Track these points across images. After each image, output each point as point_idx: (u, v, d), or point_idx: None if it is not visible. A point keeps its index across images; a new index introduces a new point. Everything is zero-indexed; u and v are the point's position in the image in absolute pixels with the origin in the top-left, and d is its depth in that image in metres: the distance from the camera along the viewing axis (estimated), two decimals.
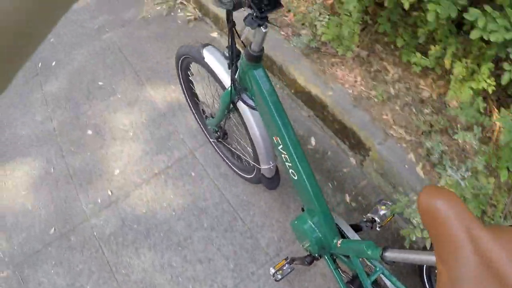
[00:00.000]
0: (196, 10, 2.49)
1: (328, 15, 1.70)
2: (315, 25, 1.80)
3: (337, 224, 1.09)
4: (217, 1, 0.81)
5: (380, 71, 1.90)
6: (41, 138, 2.08)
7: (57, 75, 2.37)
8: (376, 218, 1.14)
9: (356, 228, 1.13)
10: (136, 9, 2.64)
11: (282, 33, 2.07)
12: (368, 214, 1.16)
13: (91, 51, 2.44)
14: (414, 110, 1.76)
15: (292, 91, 1.98)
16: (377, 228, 1.15)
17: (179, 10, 2.55)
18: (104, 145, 1.93)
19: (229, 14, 0.92)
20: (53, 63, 2.46)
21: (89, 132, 2.01)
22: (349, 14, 1.61)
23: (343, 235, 1.09)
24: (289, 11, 2.14)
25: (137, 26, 2.50)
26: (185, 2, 2.58)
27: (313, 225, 1.06)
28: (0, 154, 2.10)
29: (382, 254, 0.78)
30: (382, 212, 1.15)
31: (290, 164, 1.02)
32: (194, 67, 1.50)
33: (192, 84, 1.63)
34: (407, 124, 1.73)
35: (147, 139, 1.90)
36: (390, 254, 0.76)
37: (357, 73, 1.89)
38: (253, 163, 1.40)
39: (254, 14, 0.81)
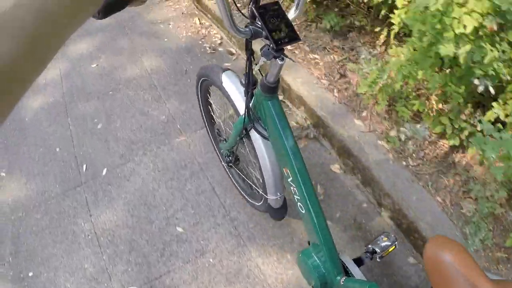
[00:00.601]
0: (307, 121, 2.01)
1: None
2: None
3: (342, 261, 1.12)
4: (235, 30, 0.83)
5: None
6: None
7: (111, 196, 1.86)
8: (377, 249, 1.17)
9: (359, 262, 1.17)
10: None
11: (439, 199, 1.64)
12: (369, 245, 1.19)
13: (159, 164, 1.94)
14: None
15: None
16: (378, 259, 1.18)
17: None
18: None
19: (248, 42, 0.96)
20: (104, 171, 1.95)
21: None
22: None
23: (347, 272, 1.12)
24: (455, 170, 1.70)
25: None
26: (289, 103, 2.09)
27: (317, 260, 1.12)
28: None
29: None
30: (384, 244, 1.18)
31: (298, 198, 1.07)
32: (214, 89, 1.56)
33: (211, 106, 1.71)
34: None
35: None
36: None
37: None
38: (261, 191, 1.45)
39: (271, 45, 0.84)
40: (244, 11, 0.90)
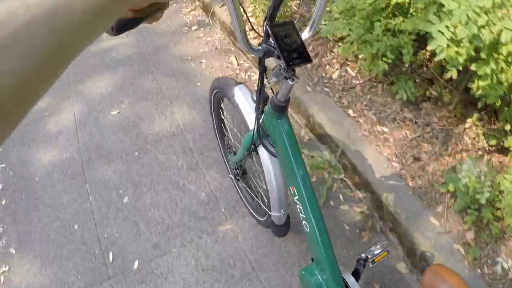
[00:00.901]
0: (372, 205, 1.77)
1: None
2: None
3: (344, 279, 1.14)
4: (248, 47, 0.86)
5: None
6: None
7: None
8: (369, 256, 1.20)
9: (356, 275, 1.19)
10: None
11: None
12: (362, 254, 1.22)
13: (203, 260, 1.69)
14: None
15: None
16: (370, 265, 1.20)
17: (341, 196, 1.82)
18: None
19: (261, 59, 0.97)
20: (135, 264, 1.71)
21: None
22: None
23: None
24: None
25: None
26: (351, 185, 1.85)
27: (319, 278, 1.13)
28: None
29: None
30: (376, 251, 1.21)
31: (303, 216, 1.09)
32: (226, 101, 1.60)
33: (222, 117, 1.73)
34: None
35: None
36: None
37: None
38: (265, 207, 1.51)
39: (282, 66, 0.86)
40: (260, 29, 0.97)
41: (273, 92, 1.04)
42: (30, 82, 0.28)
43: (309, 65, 2.11)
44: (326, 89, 2.01)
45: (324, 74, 2.06)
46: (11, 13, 0.27)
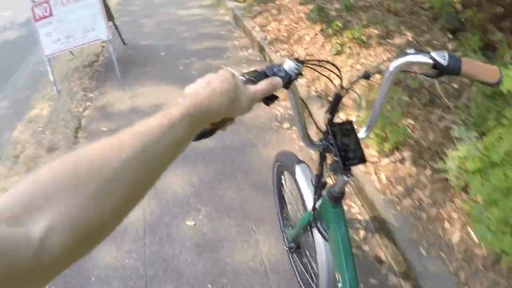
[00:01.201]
0: None
1: None
2: None
3: None
4: (309, 144, 1.01)
5: None
6: None
7: None
8: None
9: None
10: None
11: None
12: None
13: None
14: None
15: None
16: None
17: None
18: None
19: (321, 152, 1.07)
20: None
21: None
22: None
23: None
24: None
25: None
26: None
27: None
28: None
29: None
30: None
31: None
32: (287, 174, 1.65)
33: (283, 189, 1.78)
34: None
35: None
36: None
37: None
38: (314, 285, 1.53)
39: (339, 163, 0.92)
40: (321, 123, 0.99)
41: (332, 181, 1.08)
42: (124, 211, 0.37)
43: (424, 216, 1.84)
44: (442, 254, 1.73)
45: (441, 233, 1.78)
46: (108, 156, 0.33)
